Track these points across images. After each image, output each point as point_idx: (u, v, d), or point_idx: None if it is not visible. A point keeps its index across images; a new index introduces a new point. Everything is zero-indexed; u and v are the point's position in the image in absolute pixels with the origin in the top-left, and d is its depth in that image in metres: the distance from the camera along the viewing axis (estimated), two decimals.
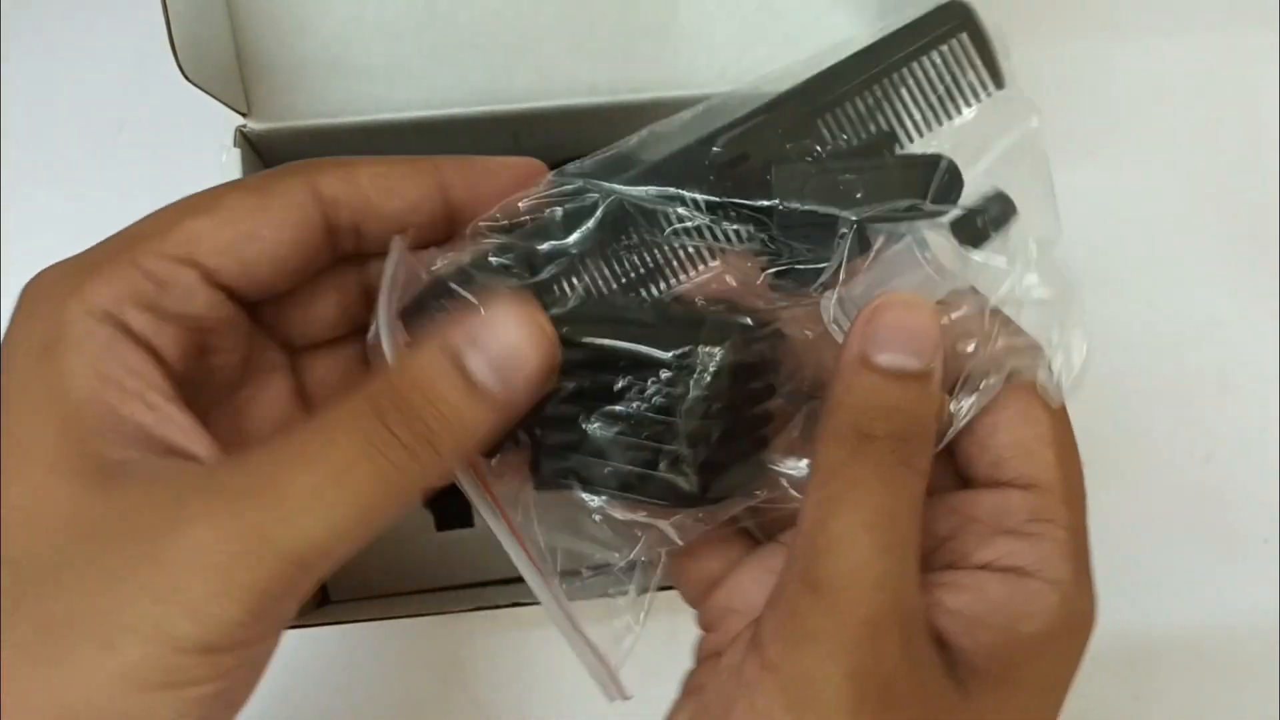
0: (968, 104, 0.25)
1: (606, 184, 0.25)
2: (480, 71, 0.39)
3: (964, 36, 0.25)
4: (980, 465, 0.25)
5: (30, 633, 0.19)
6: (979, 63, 0.25)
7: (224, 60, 0.38)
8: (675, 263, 0.25)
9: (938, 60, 0.25)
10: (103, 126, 0.49)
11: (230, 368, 0.25)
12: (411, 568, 0.46)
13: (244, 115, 0.38)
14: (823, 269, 0.24)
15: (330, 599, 0.46)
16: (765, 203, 0.24)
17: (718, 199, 0.25)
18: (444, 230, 0.25)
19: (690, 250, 0.25)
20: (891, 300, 0.23)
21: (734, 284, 0.25)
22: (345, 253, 0.25)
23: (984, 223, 0.24)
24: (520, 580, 0.25)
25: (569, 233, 0.25)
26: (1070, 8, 0.54)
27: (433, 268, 0.25)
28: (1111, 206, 0.53)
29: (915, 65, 0.25)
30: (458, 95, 0.38)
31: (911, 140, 0.25)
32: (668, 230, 0.25)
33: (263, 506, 0.20)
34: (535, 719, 0.49)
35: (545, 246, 0.25)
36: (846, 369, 0.23)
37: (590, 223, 0.25)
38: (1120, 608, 0.50)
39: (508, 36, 0.40)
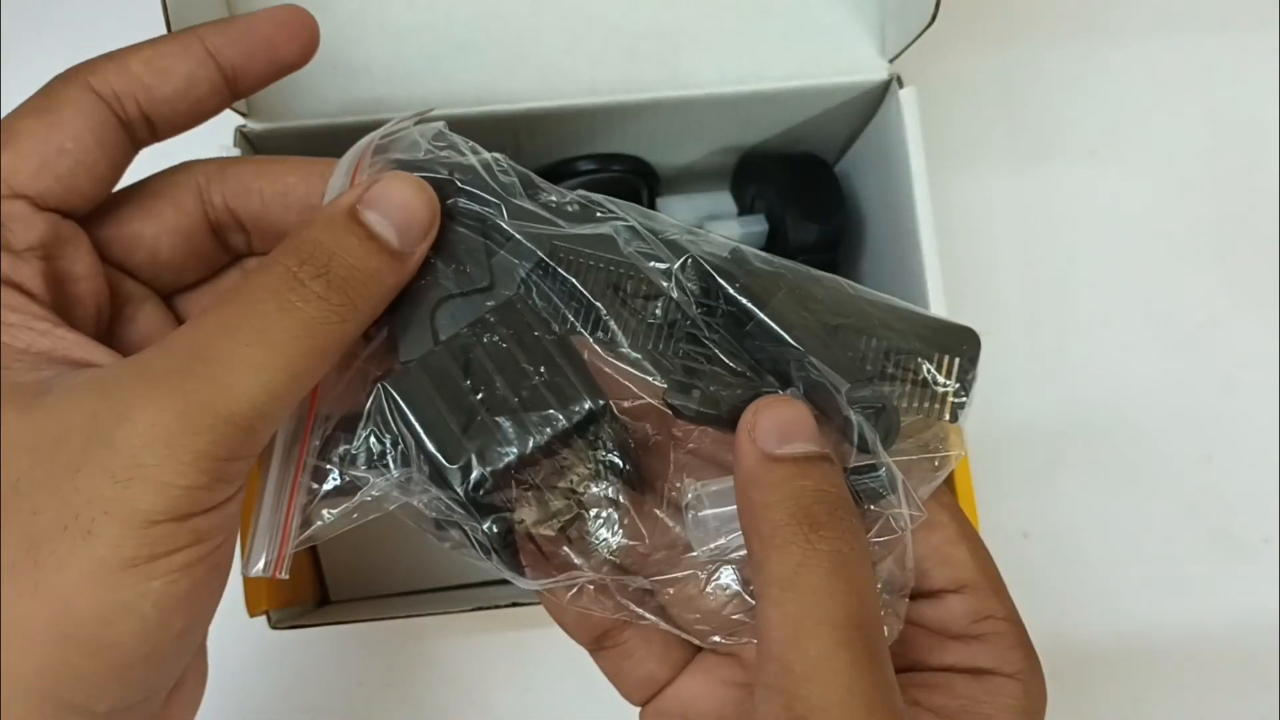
0: (917, 411, 0.26)
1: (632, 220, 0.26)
2: (480, 71, 0.39)
3: (958, 361, 0.26)
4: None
5: (19, 551, 0.20)
6: (950, 388, 0.26)
7: None
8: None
9: (929, 364, 0.26)
10: None
11: (96, 294, 0.25)
12: (411, 568, 0.46)
13: (243, 115, 0.38)
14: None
15: (330, 599, 0.46)
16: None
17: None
18: (227, 98, 0.26)
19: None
20: (767, 400, 0.24)
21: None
22: (144, 141, 0.26)
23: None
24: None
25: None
26: (1070, 8, 0.55)
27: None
28: (1111, 206, 0.53)
29: (914, 358, 0.26)
30: (458, 95, 0.38)
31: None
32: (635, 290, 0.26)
33: (199, 378, 0.21)
34: (535, 719, 0.49)
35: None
36: (758, 469, 0.23)
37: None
38: (1120, 608, 0.50)
39: (508, 36, 0.40)
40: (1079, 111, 0.54)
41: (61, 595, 0.20)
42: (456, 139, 0.27)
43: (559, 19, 0.40)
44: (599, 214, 0.27)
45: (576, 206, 0.27)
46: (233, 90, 0.26)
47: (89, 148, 0.24)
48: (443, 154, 0.26)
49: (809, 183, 0.46)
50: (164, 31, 0.33)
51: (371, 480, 0.25)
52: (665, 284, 0.26)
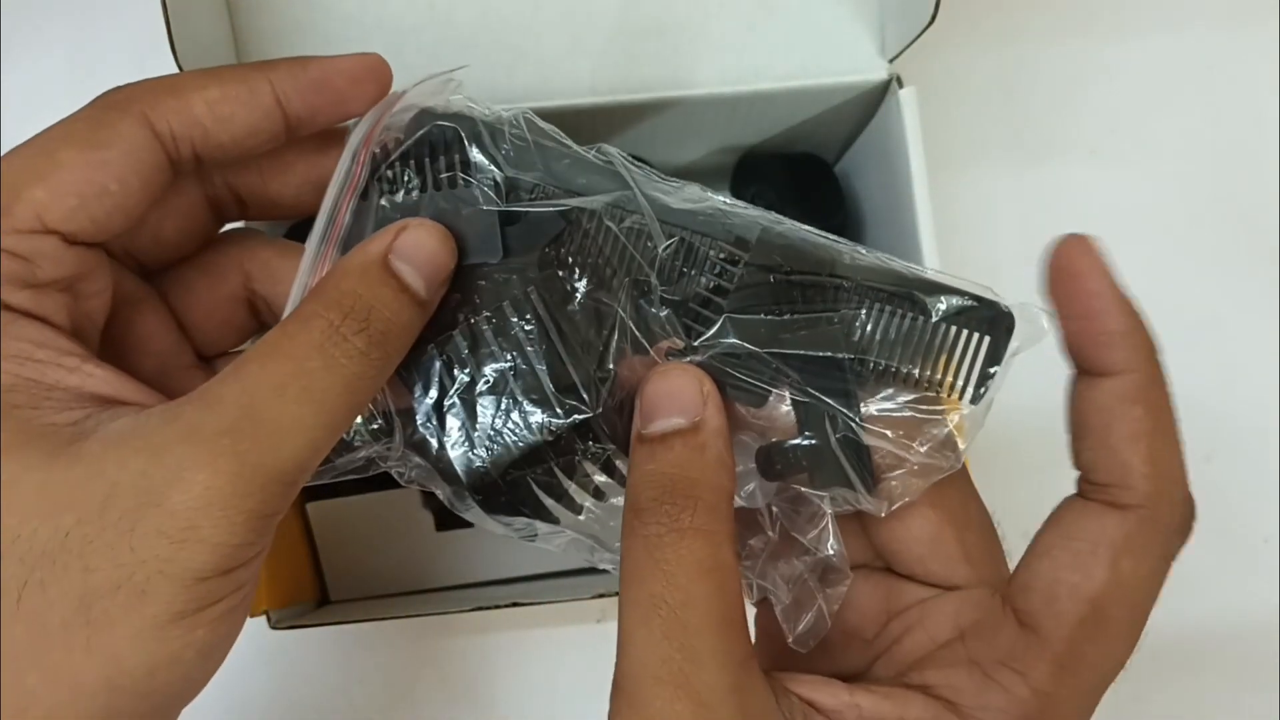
0: (934, 395, 0.25)
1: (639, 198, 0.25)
2: (480, 71, 0.39)
3: (987, 340, 0.25)
4: (904, 563, 0.26)
5: (71, 609, 0.20)
6: (975, 371, 0.25)
7: (224, 58, 0.38)
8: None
9: (951, 337, 0.25)
10: None
11: (103, 306, 0.25)
12: (411, 568, 0.46)
13: None
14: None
15: (330, 599, 0.46)
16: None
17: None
18: (281, 143, 0.25)
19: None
20: (652, 373, 0.24)
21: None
22: (184, 174, 0.25)
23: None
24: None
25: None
26: (1070, 7, 0.55)
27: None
28: (1111, 206, 0.53)
29: (939, 325, 0.25)
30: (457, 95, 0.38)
31: (865, 367, 0.25)
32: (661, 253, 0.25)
33: (250, 439, 0.21)
34: (535, 719, 0.49)
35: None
36: (630, 454, 0.24)
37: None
38: None
39: (508, 36, 0.40)
40: (1079, 111, 0.54)
41: (113, 652, 0.20)
42: (474, 100, 0.26)
43: (559, 19, 0.40)
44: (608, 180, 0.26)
45: (597, 165, 0.26)
46: (290, 137, 0.25)
47: (132, 190, 0.23)
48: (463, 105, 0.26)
49: (809, 183, 0.46)
50: (163, 31, 0.33)
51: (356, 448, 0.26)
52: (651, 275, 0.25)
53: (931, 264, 0.37)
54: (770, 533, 0.26)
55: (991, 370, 0.25)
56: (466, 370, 0.25)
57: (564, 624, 0.49)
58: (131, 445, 0.21)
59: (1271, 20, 0.54)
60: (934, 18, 0.36)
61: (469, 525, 0.45)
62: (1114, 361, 0.23)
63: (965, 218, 0.52)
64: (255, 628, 0.37)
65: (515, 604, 0.39)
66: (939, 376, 0.25)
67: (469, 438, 0.25)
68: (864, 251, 0.25)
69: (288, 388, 0.21)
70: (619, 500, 0.26)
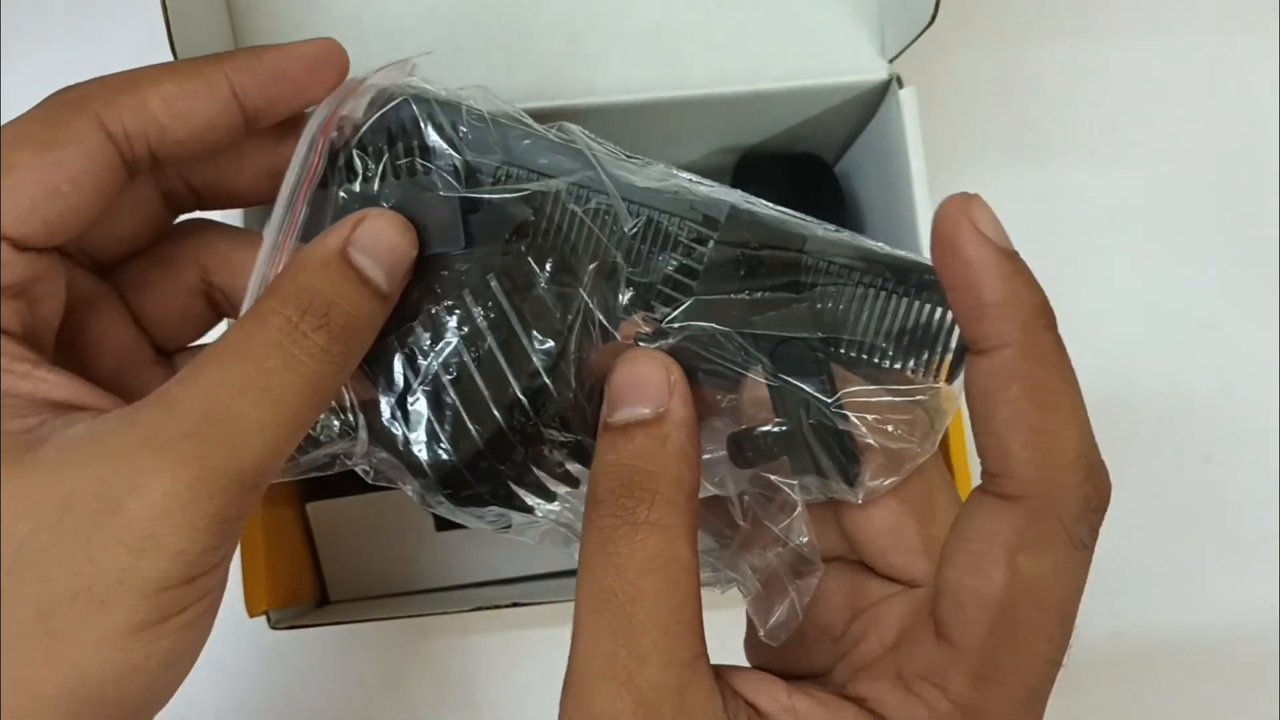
0: (909, 372, 0.24)
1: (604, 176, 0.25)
2: (481, 71, 0.39)
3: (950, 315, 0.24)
4: (869, 556, 0.25)
5: (29, 619, 0.20)
6: (951, 349, 0.24)
7: None
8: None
9: (927, 314, 0.24)
10: None
11: (57, 308, 0.24)
12: (411, 568, 0.46)
13: None
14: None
15: (330, 599, 0.46)
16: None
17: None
18: (240, 137, 0.25)
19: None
20: (620, 360, 0.24)
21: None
22: (139, 174, 0.24)
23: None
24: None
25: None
26: (1070, 7, 0.55)
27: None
28: (1111, 206, 0.53)
29: (914, 302, 0.24)
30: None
31: (839, 348, 0.24)
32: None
33: (209, 442, 0.20)
34: (534, 719, 0.49)
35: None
36: (598, 442, 0.23)
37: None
38: (1120, 608, 0.50)
39: (508, 36, 0.40)
40: (1079, 111, 0.54)
41: (74, 661, 0.20)
42: (429, 81, 0.26)
43: (559, 19, 0.40)
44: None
45: (555, 148, 0.25)
46: (248, 130, 0.25)
47: (86, 192, 0.23)
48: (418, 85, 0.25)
49: (809, 183, 0.46)
50: (163, 31, 0.32)
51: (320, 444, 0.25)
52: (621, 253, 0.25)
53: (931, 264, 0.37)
54: (742, 522, 0.26)
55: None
56: (429, 361, 0.25)
57: (564, 624, 0.48)
58: (88, 451, 0.20)
59: (1271, 22, 0.54)
60: (934, 18, 0.36)
61: (468, 525, 0.46)
62: (988, 336, 0.21)
63: None
64: (255, 628, 0.37)
65: (515, 604, 0.39)
66: (915, 356, 0.24)
67: (434, 430, 0.25)
68: (835, 230, 0.24)
69: (247, 388, 0.21)
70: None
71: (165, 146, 0.23)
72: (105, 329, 0.26)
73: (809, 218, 0.25)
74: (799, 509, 0.25)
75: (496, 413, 0.25)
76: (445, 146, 0.25)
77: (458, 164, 0.25)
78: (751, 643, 0.27)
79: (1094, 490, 0.21)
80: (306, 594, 0.44)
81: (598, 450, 0.23)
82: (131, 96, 0.23)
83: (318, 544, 0.45)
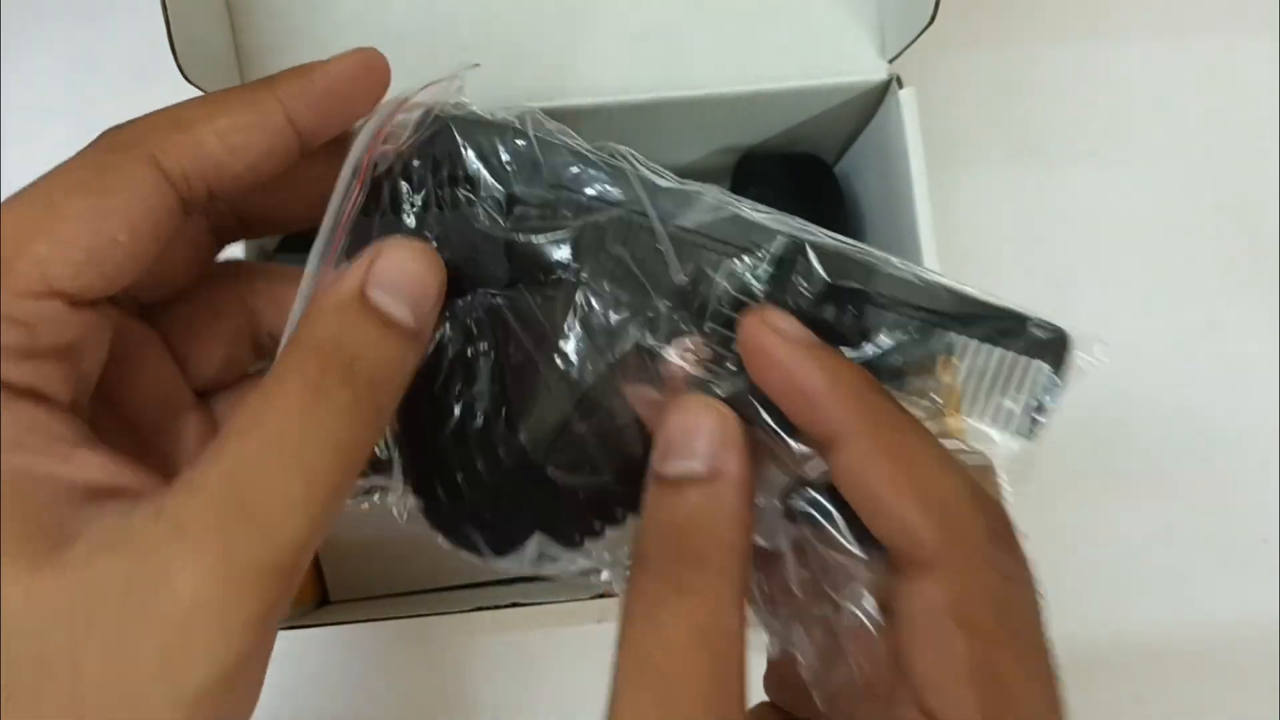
0: (981, 419, 0.23)
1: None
2: (480, 71, 0.39)
3: (1045, 367, 0.23)
4: (910, 684, 0.23)
5: None
6: (1028, 396, 0.23)
7: (224, 60, 0.38)
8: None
9: (1006, 363, 0.23)
10: (103, 126, 0.49)
11: (101, 359, 0.23)
12: (411, 568, 0.46)
13: None
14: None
15: (330, 599, 0.46)
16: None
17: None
18: (296, 159, 0.24)
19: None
20: (675, 405, 0.22)
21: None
22: (194, 213, 0.23)
23: None
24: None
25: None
26: (1070, 8, 0.55)
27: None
28: (1111, 206, 0.53)
29: (987, 347, 0.23)
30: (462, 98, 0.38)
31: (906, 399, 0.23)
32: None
33: (240, 532, 0.19)
34: (534, 719, 0.49)
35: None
36: (647, 491, 0.22)
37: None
38: (1120, 608, 0.50)
39: (508, 37, 0.40)
40: (1079, 111, 0.54)
41: None
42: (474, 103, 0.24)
43: (559, 19, 0.40)
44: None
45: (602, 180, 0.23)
46: (301, 153, 0.23)
47: (143, 238, 0.21)
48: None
49: (809, 183, 0.46)
50: (163, 31, 0.32)
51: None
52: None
53: (931, 264, 0.37)
54: (795, 582, 0.24)
55: (1046, 400, 0.23)
56: (462, 403, 0.24)
57: (564, 624, 0.49)
58: (118, 550, 0.19)
59: (1271, 23, 0.54)
60: (934, 18, 0.36)
61: None
62: (834, 426, 0.21)
63: (965, 218, 0.52)
64: None
65: (515, 604, 0.39)
66: (985, 407, 0.23)
67: (467, 476, 0.24)
68: (901, 265, 0.23)
69: (272, 464, 0.19)
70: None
71: (223, 182, 0.22)
72: (146, 375, 0.25)
73: (873, 250, 0.23)
74: (861, 570, 0.23)
75: (532, 456, 0.24)
76: (489, 176, 0.23)
77: (500, 196, 0.23)
78: (774, 681, 0.26)
79: (989, 517, 0.21)
80: (307, 594, 0.44)
81: (646, 502, 0.22)
82: (186, 135, 0.22)
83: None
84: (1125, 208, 0.53)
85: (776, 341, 0.21)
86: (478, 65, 0.25)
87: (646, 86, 0.39)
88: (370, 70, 0.24)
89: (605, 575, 0.25)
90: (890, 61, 0.40)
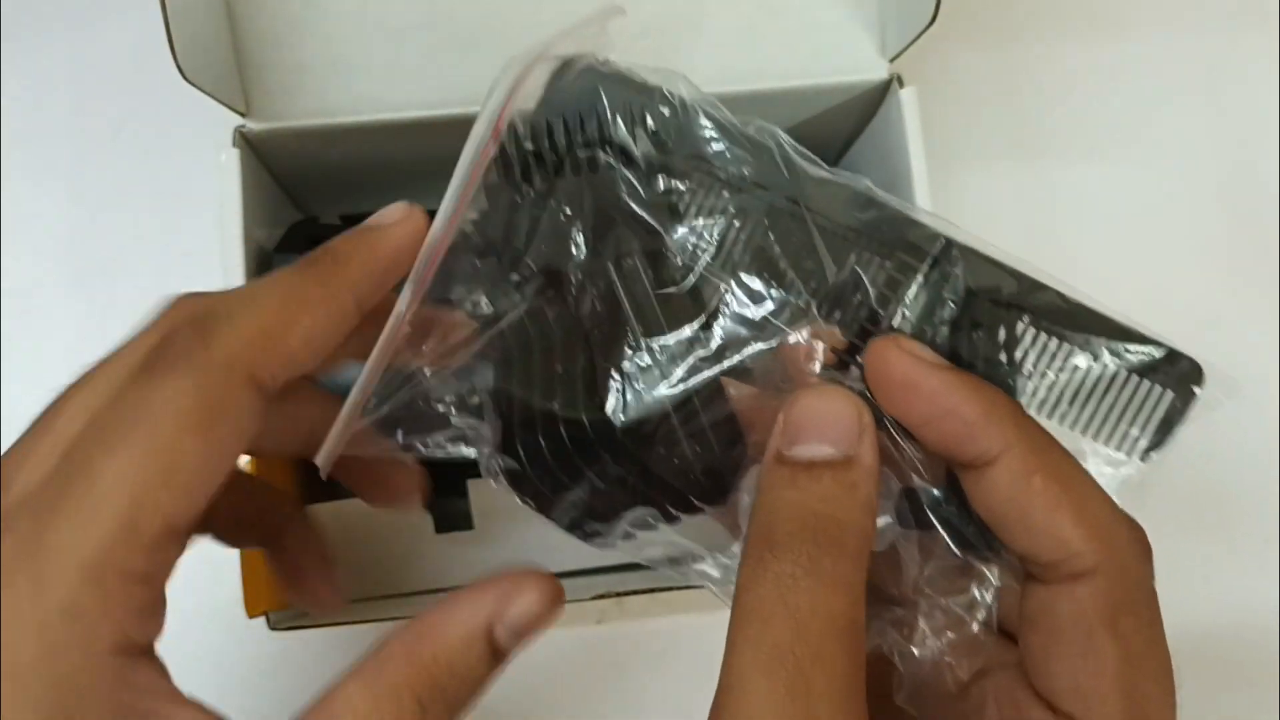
0: (1107, 444, 0.23)
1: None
2: (480, 71, 0.39)
3: (1168, 393, 0.23)
4: (1039, 688, 0.22)
5: None
6: (1153, 424, 0.23)
7: (223, 60, 0.38)
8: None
9: (1132, 387, 0.23)
10: (101, 127, 0.49)
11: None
12: (411, 569, 0.46)
13: (243, 115, 0.37)
14: None
15: None
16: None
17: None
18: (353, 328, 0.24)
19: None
20: (806, 389, 0.22)
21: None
22: None
23: None
24: None
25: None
26: (1070, 7, 0.54)
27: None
28: (1112, 206, 0.53)
29: (1122, 373, 0.23)
30: (458, 95, 0.38)
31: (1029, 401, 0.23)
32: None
33: None
34: (534, 719, 0.49)
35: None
36: (764, 470, 0.21)
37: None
38: None
39: (508, 36, 0.40)
40: (1079, 110, 0.54)
41: None
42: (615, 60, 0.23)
43: (560, 19, 0.40)
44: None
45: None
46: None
47: (236, 455, 0.21)
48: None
49: None
50: (162, 31, 0.32)
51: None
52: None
53: None
54: (902, 588, 0.23)
55: (1169, 428, 0.23)
56: (564, 372, 0.23)
57: (564, 625, 0.48)
58: None
59: (1272, 21, 0.54)
60: (934, 18, 0.35)
61: (468, 527, 0.46)
62: (988, 448, 0.21)
63: (965, 218, 0.52)
64: (255, 629, 0.37)
65: None
66: (1110, 432, 0.23)
67: (553, 449, 0.23)
68: (1050, 280, 0.23)
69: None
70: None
71: (294, 372, 0.22)
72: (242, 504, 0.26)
73: (1020, 260, 0.23)
74: (990, 586, 0.22)
75: (624, 435, 0.23)
76: (634, 143, 0.22)
77: (643, 165, 0.22)
78: None
79: (1135, 534, 0.22)
80: None
81: (769, 483, 0.21)
82: (279, 346, 0.22)
83: None
84: (1125, 207, 0.53)
85: (922, 371, 0.21)
86: (623, 12, 0.23)
87: None
88: (419, 232, 0.23)
89: (702, 565, 0.24)
90: (891, 60, 0.40)
